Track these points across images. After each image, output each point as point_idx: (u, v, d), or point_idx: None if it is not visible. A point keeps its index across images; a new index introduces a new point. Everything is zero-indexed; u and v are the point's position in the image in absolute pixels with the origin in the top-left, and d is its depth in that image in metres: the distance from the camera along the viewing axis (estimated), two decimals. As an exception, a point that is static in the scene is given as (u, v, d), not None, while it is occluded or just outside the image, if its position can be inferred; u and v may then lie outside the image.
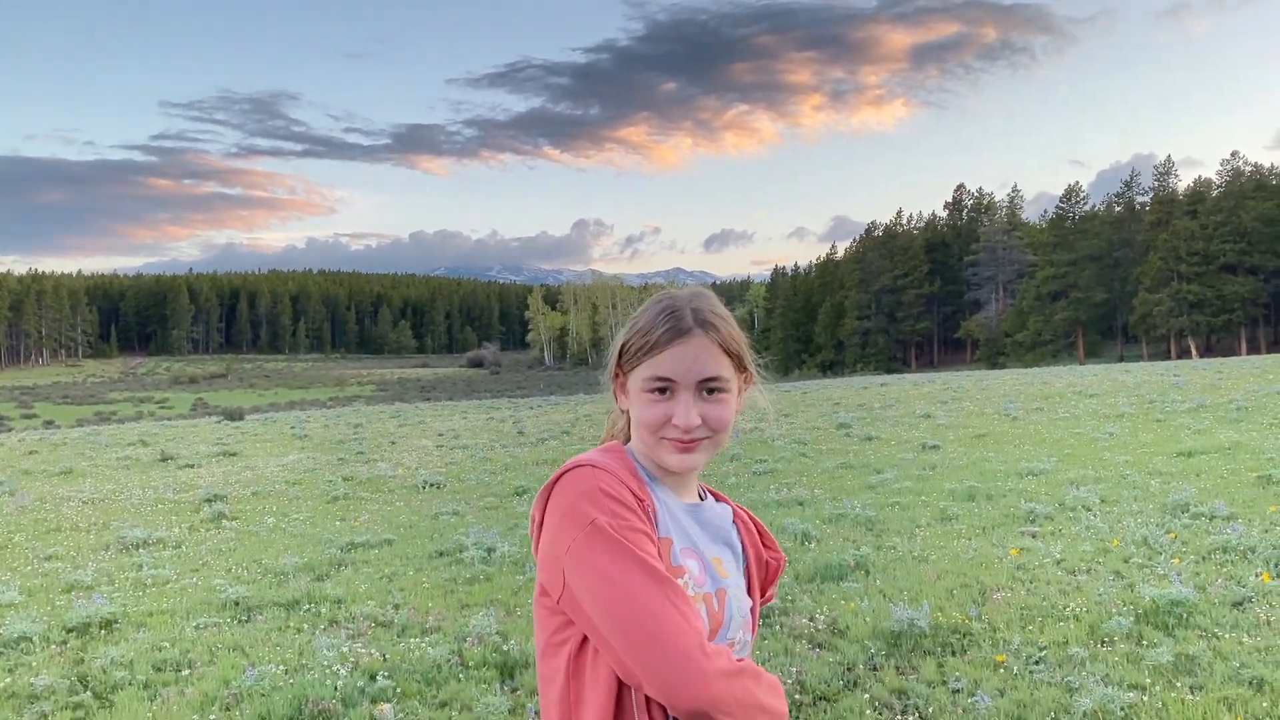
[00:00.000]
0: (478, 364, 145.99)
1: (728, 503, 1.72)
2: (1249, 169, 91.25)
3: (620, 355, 1.57)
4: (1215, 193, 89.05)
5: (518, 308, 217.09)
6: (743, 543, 1.67)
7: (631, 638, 1.33)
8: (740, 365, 1.58)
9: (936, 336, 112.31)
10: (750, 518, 1.73)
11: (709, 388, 1.51)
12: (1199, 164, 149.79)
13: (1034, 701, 4.67)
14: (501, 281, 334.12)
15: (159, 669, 5.88)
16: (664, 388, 1.50)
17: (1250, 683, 4.73)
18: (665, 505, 1.55)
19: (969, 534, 8.63)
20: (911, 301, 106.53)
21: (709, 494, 1.71)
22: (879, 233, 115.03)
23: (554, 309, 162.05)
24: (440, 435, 24.37)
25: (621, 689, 1.40)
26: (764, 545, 1.71)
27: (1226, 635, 5.42)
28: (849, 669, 5.33)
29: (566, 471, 1.49)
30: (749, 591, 1.64)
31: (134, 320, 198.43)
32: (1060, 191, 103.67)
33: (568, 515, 1.43)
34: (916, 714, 4.72)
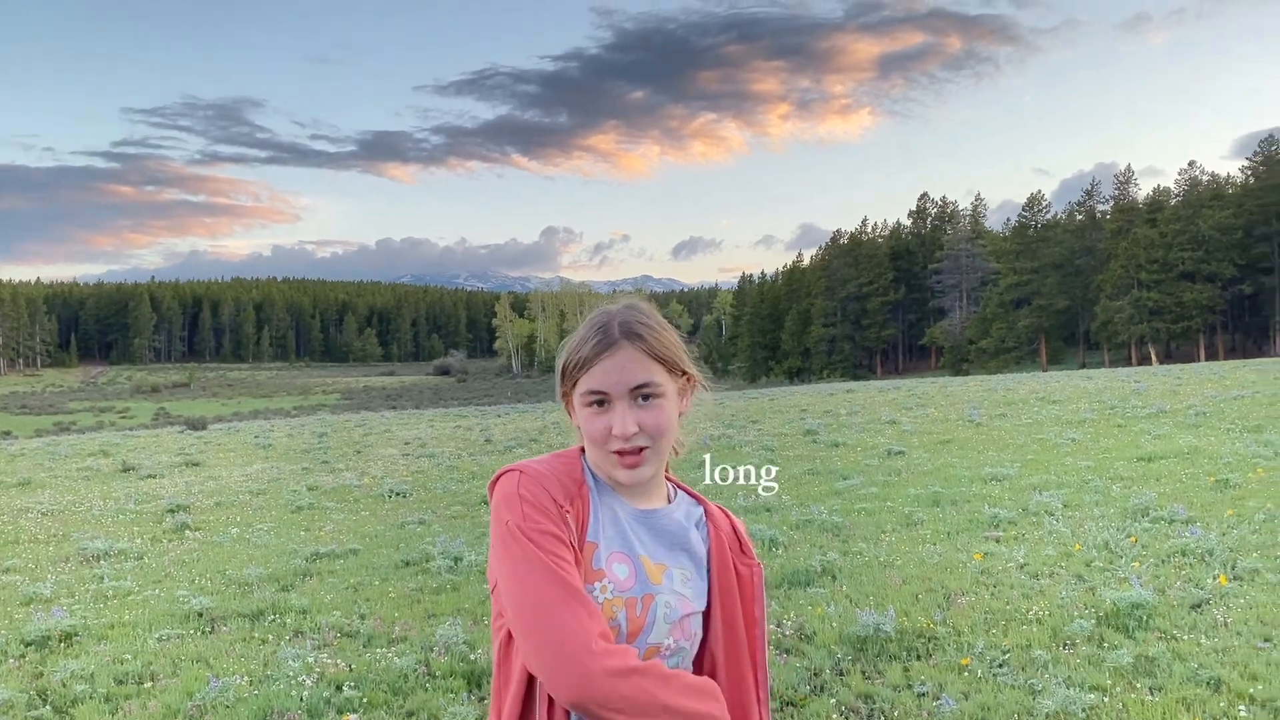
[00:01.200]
0: (444, 372, 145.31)
1: (704, 505, 1.73)
2: (1206, 178, 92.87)
3: (563, 374, 1.62)
4: (1174, 201, 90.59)
5: (485, 315, 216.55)
6: (708, 548, 1.67)
7: (526, 632, 1.43)
8: (676, 370, 1.61)
9: (902, 344, 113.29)
10: (730, 522, 1.74)
11: (642, 394, 1.55)
12: (1160, 173, 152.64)
13: (998, 704, 4.72)
14: (469, 289, 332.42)
15: (120, 682, 5.80)
16: (600, 400, 1.56)
17: (1208, 683, 4.81)
18: (609, 511, 1.61)
19: (934, 539, 8.70)
20: (877, 309, 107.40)
21: (686, 494, 1.73)
22: (845, 241, 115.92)
23: (522, 316, 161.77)
24: (406, 444, 24.22)
25: (531, 678, 1.49)
26: (741, 551, 1.71)
27: (1185, 637, 5.52)
28: (816, 674, 5.36)
29: (500, 476, 1.58)
30: (710, 595, 1.65)
31: (94, 329, 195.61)
32: (1024, 200, 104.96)
33: (493, 517, 1.54)
34: (882, 718, 4.76)
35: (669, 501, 1.69)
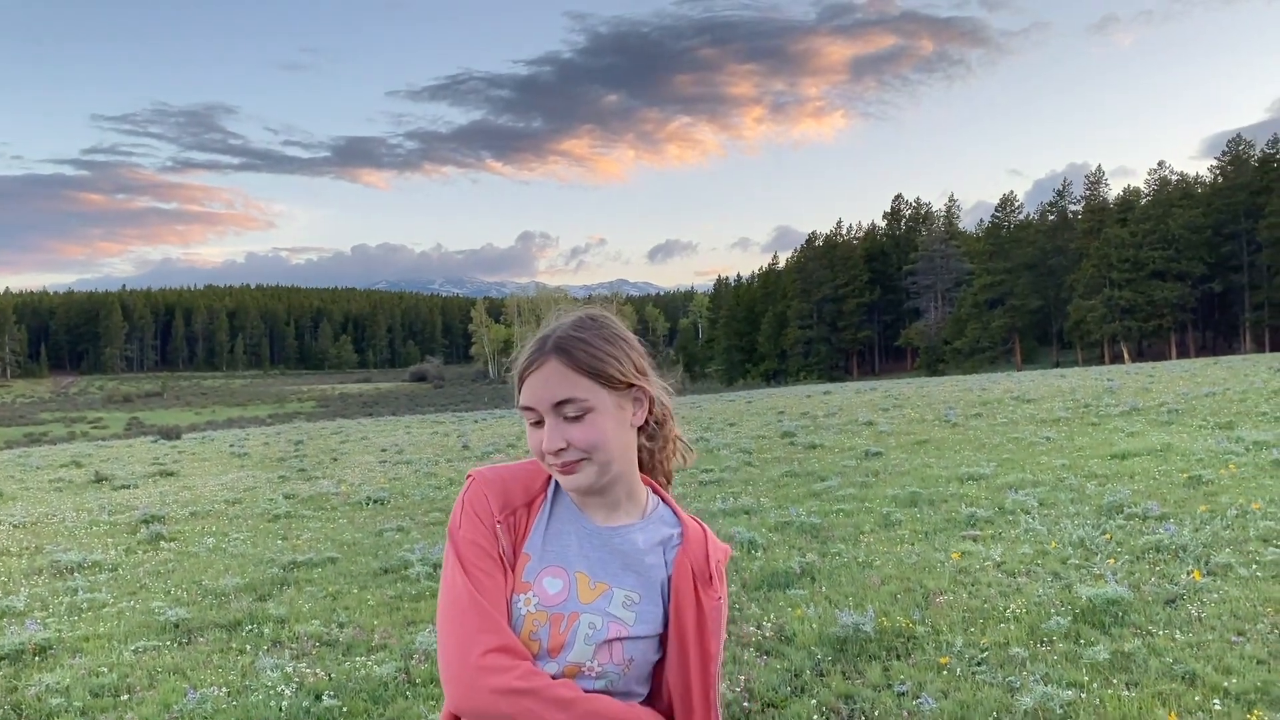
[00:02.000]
0: (421, 378, 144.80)
1: (684, 527, 1.66)
2: (1175, 178, 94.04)
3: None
4: (1144, 201, 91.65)
5: (461, 321, 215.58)
6: (668, 574, 1.61)
7: (439, 636, 1.50)
8: (616, 383, 1.55)
9: (878, 345, 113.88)
10: (706, 549, 1.66)
11: (567, 411, 1.52)
12: (1130, 173, 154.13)
13: (976, 702, 4.76)
14: (444, 294, 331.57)
15: (96, 695, 5.74)
16: (535, 417, 1.55)
17: (1183, 678, 4.87)
18: (560, 524, 1.60)
19: (912, 539, 8.75)
20: (852, 310, 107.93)
21: (670, 513, 1.68)
22: (819, 243, 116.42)
23: (498, 322, 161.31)
24: (383, 451, 24.11)
25: None
26: (708, 581, 1.63)
27: (1160, 632, 5.57)
28: (796, 675, 5.38)
29: (468, 477, 1.64)
30: (668, 623, 1.59)
31: (65, 338, 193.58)
32: (997, 200, 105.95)
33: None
34: (863, 718, 4.78)
35: (642, 518, 1.64)
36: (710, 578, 1.63)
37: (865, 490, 11.76)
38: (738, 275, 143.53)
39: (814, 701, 4.98)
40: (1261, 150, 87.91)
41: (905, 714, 4.73)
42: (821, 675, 5.36)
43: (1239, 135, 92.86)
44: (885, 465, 14.03)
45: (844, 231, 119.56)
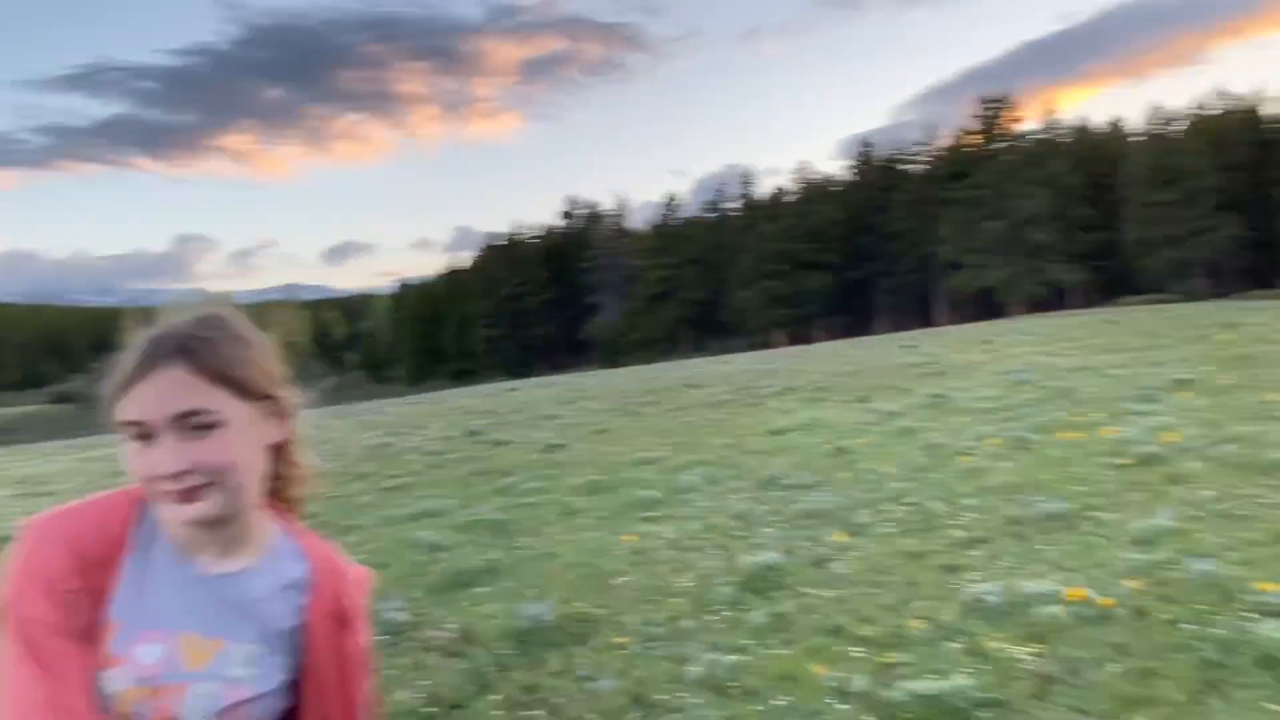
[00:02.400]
0: (64, 399, 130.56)
1: (315, 563, 1.46)
2: (817, 177, 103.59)
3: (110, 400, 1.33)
4: (790, 198, 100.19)
5: (115, 334, 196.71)
6: (301, 621, 1.42)
7: None
8: (252, 393, 1.34)
9: (560, 340, 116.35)
10: (342, 586, 1.47)
11: (192, 424, 1.28)
12: (780, 172, 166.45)
13: (651, 677, 4.99)
14: (91, 305, 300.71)
15: None
16: (143, 433, 1.29)
17: (830, 631, 5.36)
18: (154, 573, 1.35)
19: (592, 525, 9.00)
20: (534, 308, 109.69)
21: (295, 547, 1.46)
22: (501, 242, 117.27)
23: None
24: (20, 482, 21.47)
25: None
26: (341, 623, 1.45)
27: (811, 591, 6.10)
28: (480, 673, 5.39)
29: (23, 530, 1.32)
30: (302, 674, 1.41)
31: None
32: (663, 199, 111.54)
33: None
34: (545, 706, 4.87)
35: (263, 557, 1.43)
36: (348, 618, 1.47)
37: (549, 482, 11.96)
38: (420, 276, 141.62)
39: (499, 697, 5.01)
40: (888, 153, 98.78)
41: (586, 696, 4.88)
42: (505, 669, 5.41)
43: (865, 138, 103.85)
44: (569, 456, 14.35)
45: (522, 231, 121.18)
